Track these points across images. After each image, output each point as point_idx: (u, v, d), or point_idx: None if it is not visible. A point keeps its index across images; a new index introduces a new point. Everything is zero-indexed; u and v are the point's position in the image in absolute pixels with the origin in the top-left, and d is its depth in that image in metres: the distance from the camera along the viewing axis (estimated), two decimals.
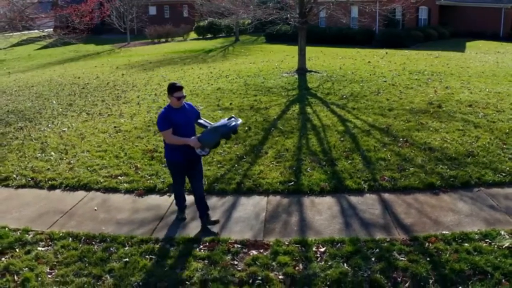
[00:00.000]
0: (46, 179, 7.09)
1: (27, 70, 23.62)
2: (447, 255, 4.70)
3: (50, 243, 5.28)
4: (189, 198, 5.95)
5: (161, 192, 6.55)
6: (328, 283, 4.41)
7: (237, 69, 17.14)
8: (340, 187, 6.41)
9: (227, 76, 15.44)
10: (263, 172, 6.96)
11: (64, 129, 9.79)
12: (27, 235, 5.44)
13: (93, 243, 5.25)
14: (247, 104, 11.05)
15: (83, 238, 5.34)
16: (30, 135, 9.45)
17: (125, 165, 7.51)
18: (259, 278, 4.50)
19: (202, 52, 26.75)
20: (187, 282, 4.51)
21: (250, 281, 4.48)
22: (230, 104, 11.15)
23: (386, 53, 20.49)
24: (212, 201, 6.13)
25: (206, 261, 4.83)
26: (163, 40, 37.08)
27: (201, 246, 5.10)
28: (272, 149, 7.92)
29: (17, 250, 5.15)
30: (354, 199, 6.11)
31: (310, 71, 15.08)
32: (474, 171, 6.63)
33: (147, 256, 4.93)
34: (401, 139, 8.09)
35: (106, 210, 6.10)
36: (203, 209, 5.47)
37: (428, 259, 4.67)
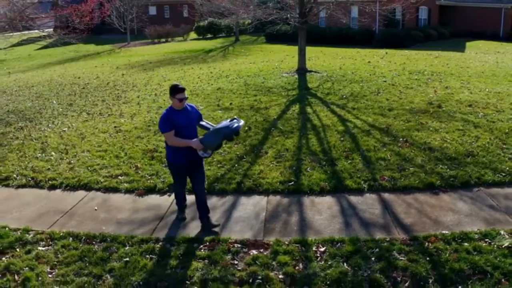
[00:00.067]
0: (47, 179, 7.10)
1: (27, 70, 23.63)
2: (447, 255, 4.71)
3: (50, 242, 5.29)
4: (190, 198, 5.96)
5: (161, 192, 6.56)
6: (328, 282, 4.42)
7: (237, 69, 17.15)
8: (340, 187, 6.42)
9: (227, 76, 15.45)
10: (263, 172, 6.97)
11: (64, 129, 9.80)
12: (27, 235, 5.45)
13: (94, 242, 5.26)
14: (247, 104, 11.06)
15: (84, 237, 5.35)
16: (31, 135, 9.46)
17: (125, 165, 7.52)
18: (259, 277, 4.51)
19: (202, 52, 26.76)
20: (187, 282, 4.52)
21: (250, 280, 4.49)
22: (230, 104, 11.16)
23: (386, 53, 20.50)
24: (212, 201, 6.14)
25: (206, 260, 4.84)
26: (163, 40, 37.09)
27: (201, 246, 5.11)
28: (272, 149, 7.93)
29: (18, 249, 5.16)
30: (354, 199, 6.12)
31: (310, 71, 15.08)
32: (474, 171, 6.64)
33: (147, 256, 4.94)
34: (401, 139, 8.10)
35: (106, 210, 6.11)
36: (203, 211, 5.47)
37: (428, 258, 4.67)
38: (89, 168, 7.45)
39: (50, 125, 10.28)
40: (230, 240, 5.17)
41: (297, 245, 5.03)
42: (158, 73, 17.47)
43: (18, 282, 4.59)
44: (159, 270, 4.69)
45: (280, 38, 29.61)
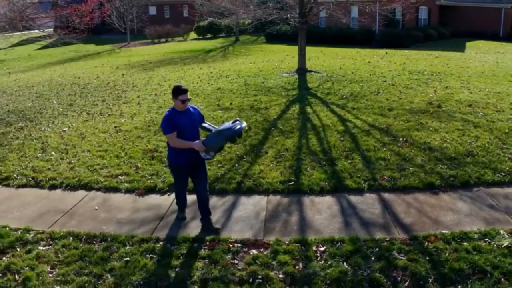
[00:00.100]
0: (47, 179, 7.11)
1: (27, 70, 23.64)
2: (447, 254, 4.71)
3: (51, 242, 5.30)
4: (190, 198, 5.96)
5: (161, 192, 6.57)
6: (328, 282, 4.43)
7: (237, 69, 17.16)
8: (340, 186, 6.43)
9: (227, 76, 15.46)
10: (263, 171, 6.98)
11: (64, 129, 9.82)
12: (28, 235, 5.46)
13: (94, 242, 5.27)
14: (247, 104, 11.07)
15: (84, 237, 5.36)
16: (31, 135, 9.47)
17: (126, 164, 7.53)
18: (259, 277, 4.52)
19: (202, 52, 26.77)
20: (187, 281, 4.52)
21: (250, 280, 4.49)
22: (230, 104, 11.17)
23: (386, 53, 20.51)
24: (213, 200, 6.15)
25: (206, 260, 4.85)
26: (163, 40, 37.11)
27: (202, 246, 5.12)
28: (272, 148, 7.94)
29: (18, 249, 5.17)
30: (354, 198, 6.13)
31: (310, 71, 15.09)
32: (474, 171, 6.65)
33: (147, 255, 4.95)
34: (400, 139, 8.11)
35: (106, 209, 6.12)
36: (205, 212, 5.44)
37: (427, 258, 4.68)
38: (89, 168, 7.45)
39: (50, 125, 10.29)
40: (230, 240, 5.18)
41: (297, 244, 5.04)
42: (158, 73, 17.48)
43: (19, 281, 4.60)
44: (160, 270, 4.70)
45: (280, 38, 29.62)
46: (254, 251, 4.97)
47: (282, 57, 20.49)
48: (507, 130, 8.26)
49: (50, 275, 4.70)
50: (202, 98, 12.00)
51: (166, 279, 4.56)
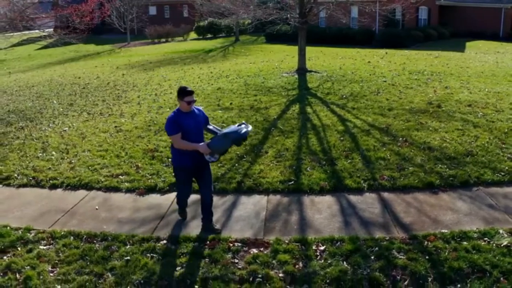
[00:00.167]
0: (47, 179, 7.12)
1: (27, 70, 23.66)
2: (446, 254, 4.73)
3: (51, 241, 5.32)
4: (191, 197, 5.96)
5: (162, 191, 6.58)
6: (327, 281, 4.44)
7: (237, 69, 17.17)
8: (340, 186, 6.45)
9: (227, 76, 15.47)
10: (263, 171, 6.99)
11: (65, 129, 9.83)
12: (28, 234, 5.47)
13: (95, 241, 5.28)
14: (247, 104, 11.09)
15: (85, 236, 5.37)
16: (31, 135, 9.49)
17: (126, 164, 7.55)
18: (260, 276, 4.53)
19: (202, 52, 26.79)
20: (188, 280, 4.54)
21: (251, 279, 4.51)
22: (230, 104, 11.18)
23: (386, 53, 20.53)
24: (213, 200, 6.14)
25: (207, 259, 4.87)
26: (163, 40, 37.13)
27: (202, 245, 5.13)
28: (272, 148, 7.96)
29: (19, 248, 5.18)
30: (353, 198, 6.15)
31: (310, 71, 15.11)
32: (473, 171, 6.66)
33: (148, 255, 4.96)
34: (400, 138, 8.13)
35: (107, 209, 6.14)
36: (207, 213, 5.43)
37: (427, 257, 4.70)
38: (90, 167, 7.47)
39: (50, 124, 10.30)
40: (230, 239, 5.20)
41: (297, 244, 5.06)
42: (158, 73, 17.50)
43: (20, 280, 4.62)
44: (160, 269, 4.71)
45: (280, 38, 29.64)
46: (254, 250, 4.98)
47: (282, 57, 20.51)
48: (506, 130, 8.28)
49: (51, 274, 4.72)
50: (202, 98, 12.01)
51: (166, 278, 4.58)
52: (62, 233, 5.47)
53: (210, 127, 5.36)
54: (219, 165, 7.32)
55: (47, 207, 6.25)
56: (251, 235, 5.29)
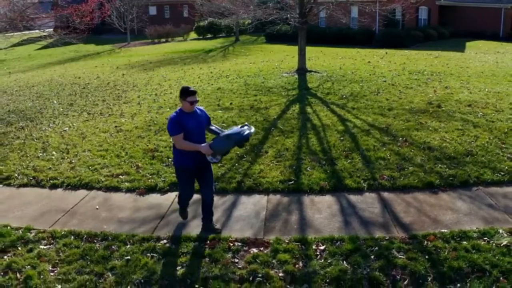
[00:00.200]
0: (48, 178, 7.13)
1: (27, 70, 23.67)
2: (446, 253, 4.74)
3: (52, 241, 5.33)
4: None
5: (162, 191, 6.59)
6: (327, 280, 4.45)
7: (237, 69, 17.18)
8: (340, 186, 6.45)
9: (227, 76, 15.48)
10: (263, 171, 7.00)
11: (65, 129, 9.84)
12: (29, 234, 5.48)
13: (95, 241, 5.29)
14: (247, 104, 11.09)
15: (85, 236, 5.38)
16: (32, 135, 9.50)
17: (126, 164, 7.56)
18: (260, 275, 4.54)
19: (202, 52, 26.80)
20: (188, 280, 4.55)
21: (251, 278, 4.52)
22: (231, 104, 11.19)
23: (386, 53, 20.54)
24: (213, 200, 6.16)
25: (207, 259, 4.87)
26: (163, 40, 37.14)
27: (202, 244, 5.14)
28: (272, 148, 7.97)
29: (20, 248, 5.19)
30: (353, 198, 6.15)
31: (310, 71, 15.12)
32: (473, 170, 6.67)
33: (148, 254, 4.97)
34: (400, 138, 8.14)
35: (107, 209, 6.15)
36: (207, 213, 5.44)
37: (426, 257, 4.71)
38: (90, 167, 7.48)
39: (51, 124, 10.31)
40: (230, 239, 5.21)
41: (297, 243, 5.06)
42: (159, 73, 17.51)
43: (20, 280, 4.62)
44: (160, 268, 4.72)
45: (280, 38, 29.65)
46: (254, 250, 4.99)
47: (282, 57, 20.51)
48: (506, 130, 8.29)
49: (52, 273, 4.73)
50: (202, 98, 12.02)
51: (167, 277, 4.59)
52: (63, 232, 5.48)
53: (212, 127, 5.32)
54: (219, 165, 7.33)
55: (47, 207, 6.26)
56: (251, 235, 5.30)
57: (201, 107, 5.32)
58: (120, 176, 7.08)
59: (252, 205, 6.06)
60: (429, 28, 30.26)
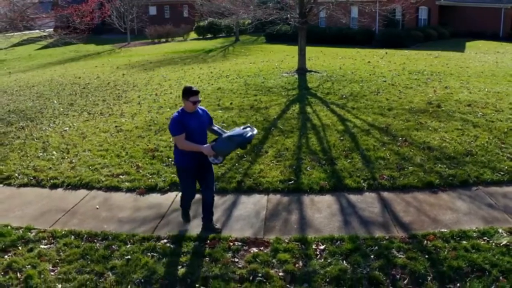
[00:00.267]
0: (48, 178, 7.14)
1: (27, 70, 23.68)
2: (445, 253, 4.75)
3: (52, 241, 5.34)
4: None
5: (162, 191, 6.60)
6: (327, 280, 4.46)
7: (237, 69, 17.19)
8: (340, 185, 6.46)
9: (227, 76, 15.49)
10: (263, 171, 7.01)
11: (65, 129, 9.85)
12: (29, 233, 5.49)
13: (95, 241, 5.30)
14: (247, 104, 11.10)
15: (85, 236, 5.39)
16: (32, 135, 9.51)
17: (127, 164, 7.57)
18: (260, 275, 4.55)
19: (202, 52, 26.81)
20: (188, 279, 4.56)
21: (251, 278, 4.53)
22: (231, 104, 11.20)
23: (386, 53, 20.54)
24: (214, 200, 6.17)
25: (207, 258, 4.88)
26: (163, 40, 37.14)
27: (202, 244, 5.15)
28: (272, 148, 7.98)
29: (20, 248, 5.20)
30: (353, 197, 6.16)
31: (310, 71, 15.13)
32: (473, 170, 6.68)
33: (148, 254, 4.98)
34: (400, 138, 8.15)
35: (107, 208, 6.16)
36: (207, 213, 5.44)
37: (426, 256, 4.72)
38: (90, 167, 7.49)
39: (51, 124, 10.32)
40: (230, 238, 5.22)
41: (297, 243, 5.07)
42: (159, 73, 17.52)
43: (21, 279, 4.64)
44: (160, 268, 4.73)
45: (280, 38, 29.65)
46: (255, 250, 5.00)
47: (282, 57, 20.52)
48: (506, 130, 8.29)
49: (52, 273, 4.74)
50: (202, 98, 12.00)
51: (167, 277, 4.60)
52: (63, 232, 5.49)
53: (215, 128, 5.30)
54: (219, 164, 7.33)
55: (47, 206, 6.27)
56: (251, 234, 5.31)
57: (203, 107, 5.31)
58: (121, 176, 7.09)
59: (252, 204, 6.07)
60: (429, 28, 30.27)
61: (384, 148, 7.69)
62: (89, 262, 4.87)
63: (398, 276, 4.47)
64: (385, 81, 13.03)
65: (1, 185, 7.10)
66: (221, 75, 15.72)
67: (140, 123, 9.91)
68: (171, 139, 8.36)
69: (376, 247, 4.91)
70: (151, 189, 6.66)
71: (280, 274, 4.58)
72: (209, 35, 38.10)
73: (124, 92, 13.69)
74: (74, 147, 8.55)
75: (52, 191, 6.81)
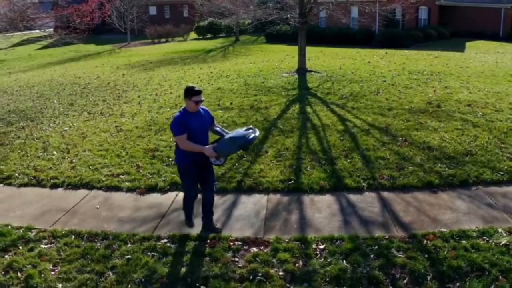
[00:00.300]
0: (48, 178, 7.15)
1: (27, 70, 23.68)
2: (445, 252, 4.76)
3: (53, 240, 5.35)
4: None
5: (162, 191, 6.61)
6: (327, 279, 4.47)
7: (237, 69, 17.20)
8: (340, 185, 6.47)
9: (227, 76, 15.50)
10: (263, 170, 7.02)
11: (65, 129, 9.86)
12: (30, 233, 5.50)
13: (96, 240, 5.31)
14: (247, 104, 11.11)
15: (86, 235, 5.40)
16: (32, 135, 9.52)
17: (127, 164, 7.58)
18: (260, 274, 4.56)
19: (202, 52, 26.81)
20: (188, 279, 4.57)
21: (251, 277, 4.54)
22: (231, 103, 11.21)
23: (386, 53, 20.55)
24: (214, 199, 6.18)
25: (207, 258, 4.89)
26: (163, 40, 37.15)
27: (203, 244, 5.16)
28: (272, 148, 7.99)
29: (20, 247, 5.21)
30: (353, 197, 6.17)
31: (310, 71, 15.13)
32: (473, 170, 6.69)
33: (149, 253, 4.99)
34: (400, 138, 8.16)
35: (108, 208, 6.17)
36: (207, 213, 5.45)
37: (426, 256, 4.73)
38: (90, 167, 7.50)
39: (51, 124, 10.33)
40: (230, 238, 5.23)
41: (297, 242, 5.08)
42: (159, 73, 17.52)
43: (21, 279, 4.65)
44: (161, 267, 4.74)
45: (280, 38, 29.65)
46: (255, 249, 5.01)
47: (282, 57, 20.53)
48: (505, 130, 8.30)
49: (52, 272, 4.75)
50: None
51: (167, 276, 4.61)
52: (63, 232, 5.50)
53: (217, 128, 5.27)
54: (220, 165, 7.33)
55: (48, 206, 6.28)
56: (251, 234, 5.32)
57: (205, 107, 5.31)
58: (121, 176, 7.10)
59: (252, 204, 6.08)
60: (429, 28, 30.27)
61: (384, 148, 7.70)
62: (89, 262, 4.88)
63: (398, 276, 4.48)
64: (385, 81, 13.03)
65: (2, 185, 7.11)
66: (221, 75, 15.72)
67: (140, 123, 9.92)
68: (171, 139, 8.37)
69: (376, 247, 4.92)
70: (151, 189, 6.67)
71: (280, 273, 4.59)
72: (209, 35, 38.10)
73: (124, 92, 13.70)
74: (74, 147, 8.56)
75: (53, 190, 6.82)
